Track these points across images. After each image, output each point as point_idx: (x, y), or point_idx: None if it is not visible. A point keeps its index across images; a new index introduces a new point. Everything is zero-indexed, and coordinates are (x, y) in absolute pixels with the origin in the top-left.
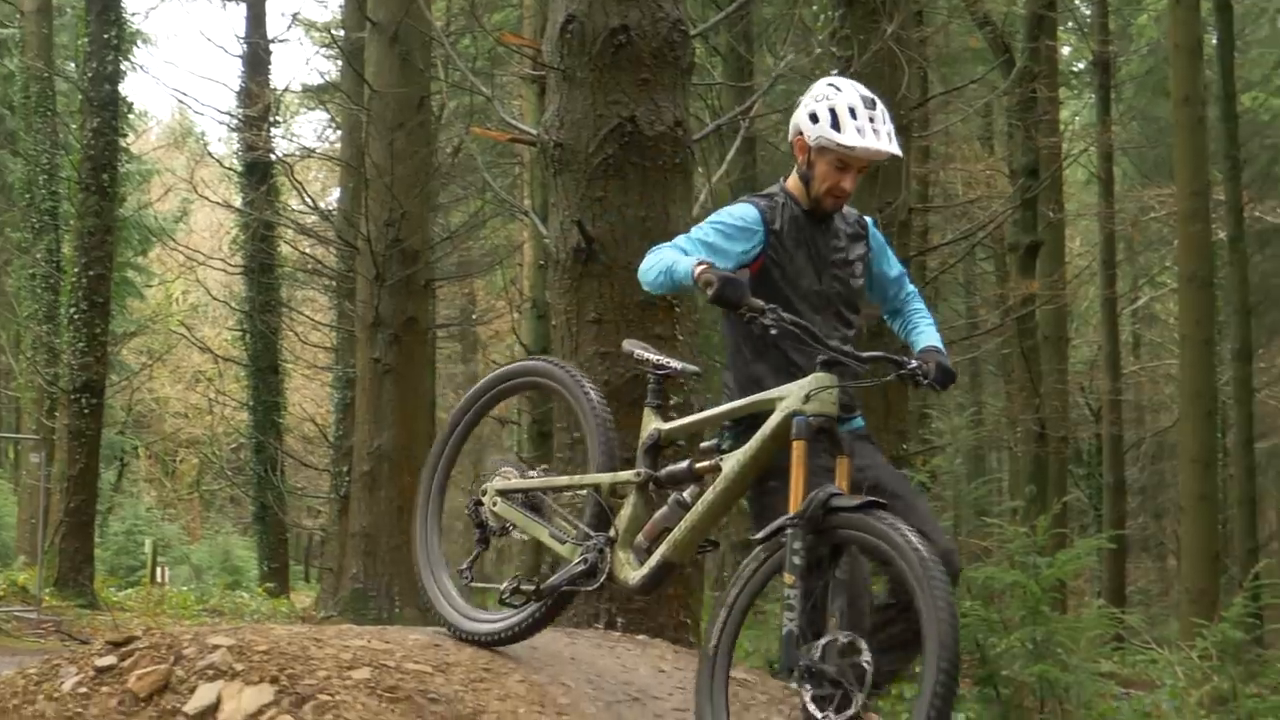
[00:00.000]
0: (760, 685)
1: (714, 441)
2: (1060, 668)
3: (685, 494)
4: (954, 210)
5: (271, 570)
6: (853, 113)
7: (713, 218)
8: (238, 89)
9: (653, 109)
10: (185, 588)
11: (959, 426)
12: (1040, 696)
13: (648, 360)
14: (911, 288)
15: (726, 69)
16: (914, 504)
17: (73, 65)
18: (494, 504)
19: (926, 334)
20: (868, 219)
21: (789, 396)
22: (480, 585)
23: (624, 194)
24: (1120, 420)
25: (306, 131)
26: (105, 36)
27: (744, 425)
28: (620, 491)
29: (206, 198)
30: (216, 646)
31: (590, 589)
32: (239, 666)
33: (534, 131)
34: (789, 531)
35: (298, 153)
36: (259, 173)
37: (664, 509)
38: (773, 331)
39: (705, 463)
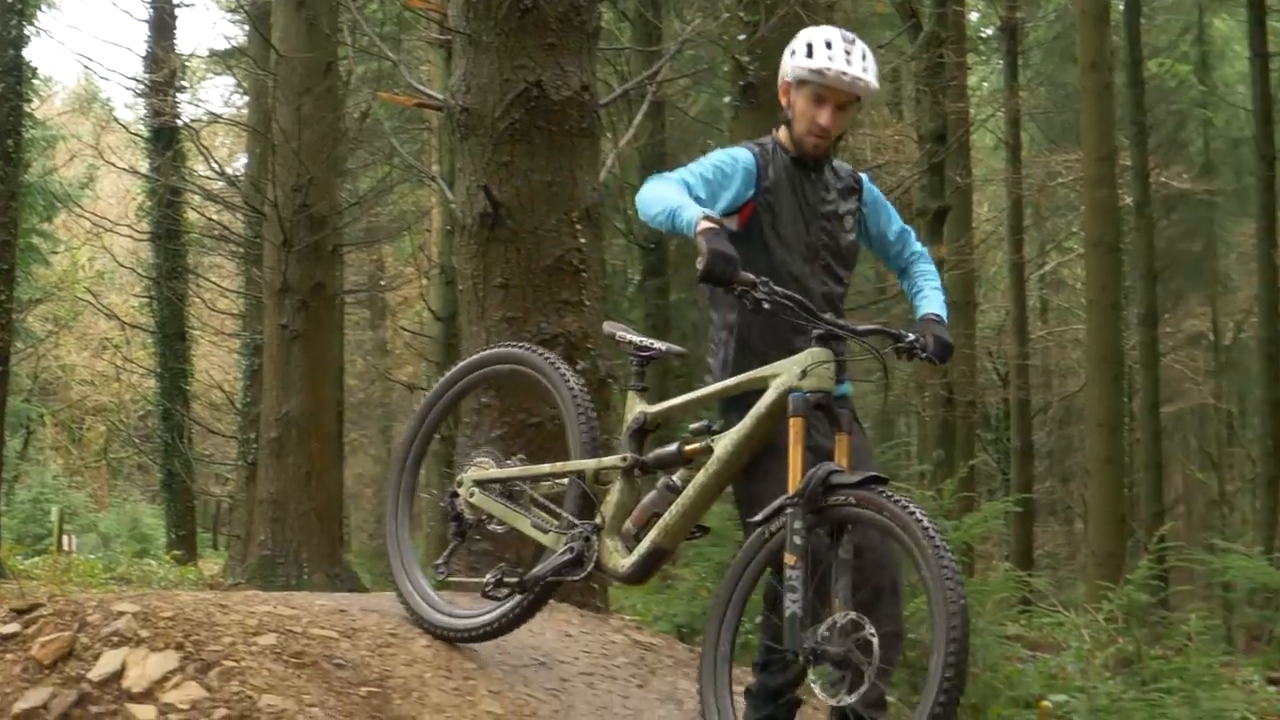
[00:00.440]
0: (668, 649)
1: (704, 423)
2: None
3: (675, 478)
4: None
5: (179, 538)
6: (828, 44)
7: (714, 156)
8: (144, 54)
9: (559, 73)
10: (92, 556)
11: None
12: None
13: (629, 342)
14: (918, 247)
15: (635, 34)
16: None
17: None
18: (471, 495)
19: (928, 301)
20: (863, 175)
21: (784, 373)
22: (457, 580)
23: (530, 159)
24: (1028, 385)
25: (213, 97)
26: (9, 0)
27: (733, 405)
28: (604, 478)
29: (113, 163)
30: (121, 613)
31: (577, 579)
32: (144, 633)
33: (440, 96)
34: (789, 511)
35: (204, 118)
36: (165, 138)
37: (652, 494)
38: (765, 305)
39: (695, 445)
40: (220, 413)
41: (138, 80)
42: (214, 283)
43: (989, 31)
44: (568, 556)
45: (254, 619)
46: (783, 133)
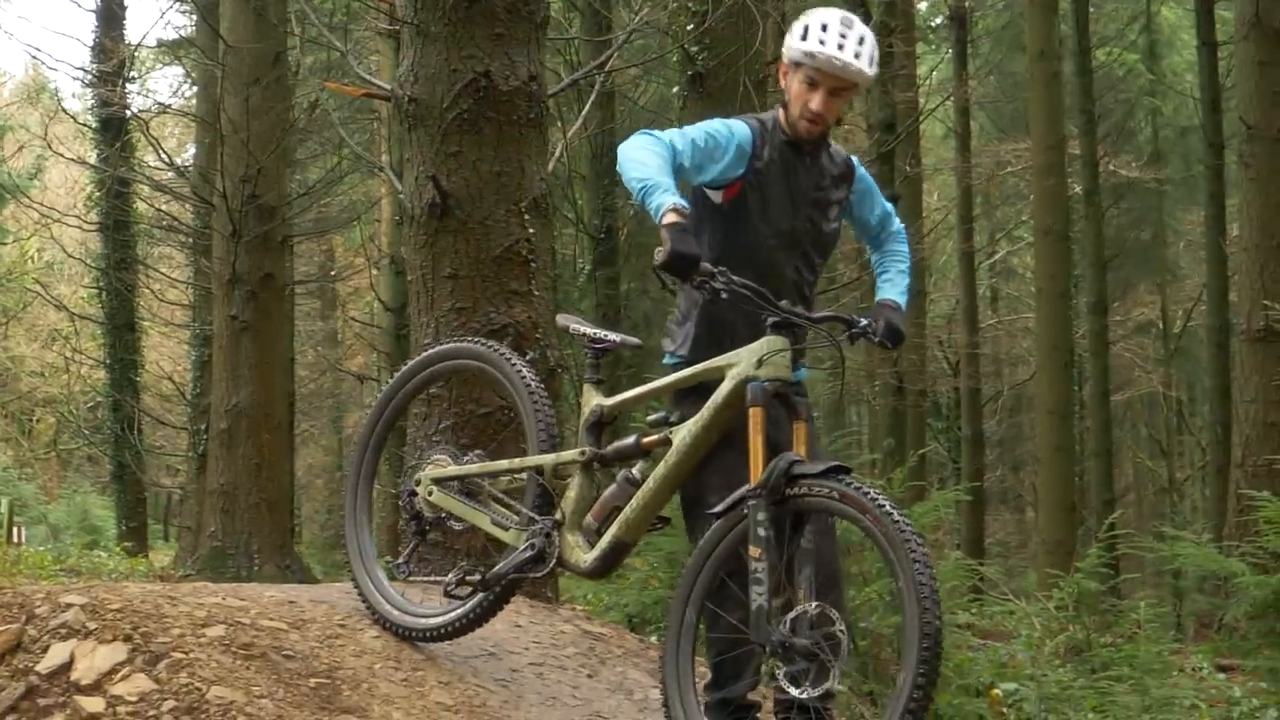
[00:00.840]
0: (618, 639)
1: (661, 414)
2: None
3: (634, 470)
4: None
5: (130, 529)
6: (824, 27)
7: (712, 125)
8: (92, 44)
9: (507, 64)
10: (42, 547)
11: (817, 380)
12: (898, 648)
13: (584, 334)
14: (896, 227)
15: (584, 23)
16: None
17: None
18: (429, 493)
19: (890, 286)
20: (854, 159)
21: (740, 363)
22: (419, 580)
23: (479, 149)
24: (978, 373)
25: (162, 87)
26: None
27: (688, 394)
28: (563, 472)
29: (61, 154)
30: (69, 605)
31: (539, 575)
32: (92, 625)
33: (388, 86)
34: (751, 503)
35: (153, 109)
36: (114, 129)
37: (612, 487)
38: (723, 295)
39: (653, 437)
40: (170, 404)
41: (86, 71)
42: (163, 274)
43: (938, 21)
44: (529, 553)
45: (203, 610)
46: (781, 113)
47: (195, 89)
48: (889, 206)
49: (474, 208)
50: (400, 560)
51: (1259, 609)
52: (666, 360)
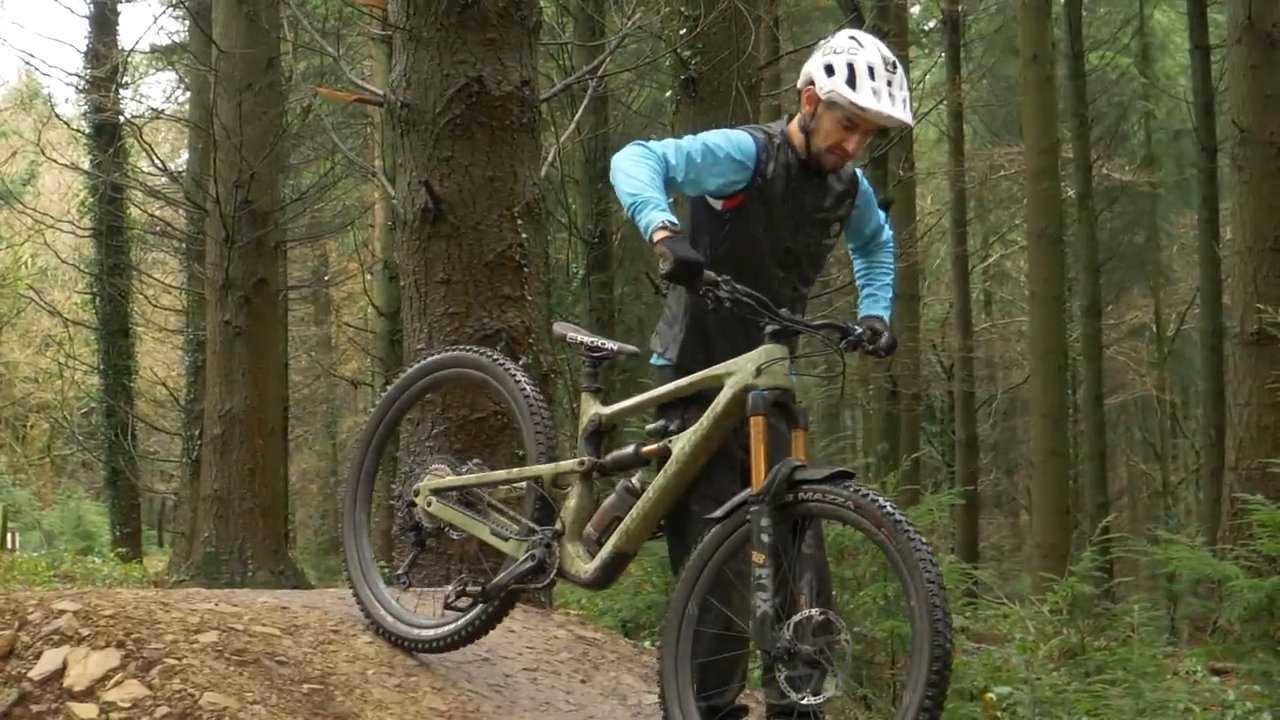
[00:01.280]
0: (611, 645)
1: (661, 423)
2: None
3: (634, 480)
4: None
5: (124, 535)
6: (871, 73)
7: (711, 136)
8: (85, 50)
9: (499, 69)
10: (36, 554)
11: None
12: (892, 653)
13: (581, 343)
14: (886, 236)
15: (577, 28)
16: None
17: None
18: (428, 504)
19: (874, 300)
20: (858, 171)
21: (739, 371)
22: (419, 590)
23: (471, 154)
24: (972, 377)
25: (155, 93)
26: None
27: (689, 404)
28: (563, 482)
29: (54, 160)
30: (62, 611)
31: (540, 586)
32: (85, 631)
33: (381, 92)
34: (754, 509)
35: (146, 114)
36: (107, 134)
37: (612, 497)
38: (727, 304)
39: (653, 446)
40: (164, 409)
41: (79, 76)
42: (157, 279)
43: (931, 24)
44: (529, 564)
45: (195, 616)
46: (795, 132)
47: (188, 94)
48: (883, 217)
49: (467, 213)
50: (400, 571)
51: (1253, 612)
52: (655, 361)
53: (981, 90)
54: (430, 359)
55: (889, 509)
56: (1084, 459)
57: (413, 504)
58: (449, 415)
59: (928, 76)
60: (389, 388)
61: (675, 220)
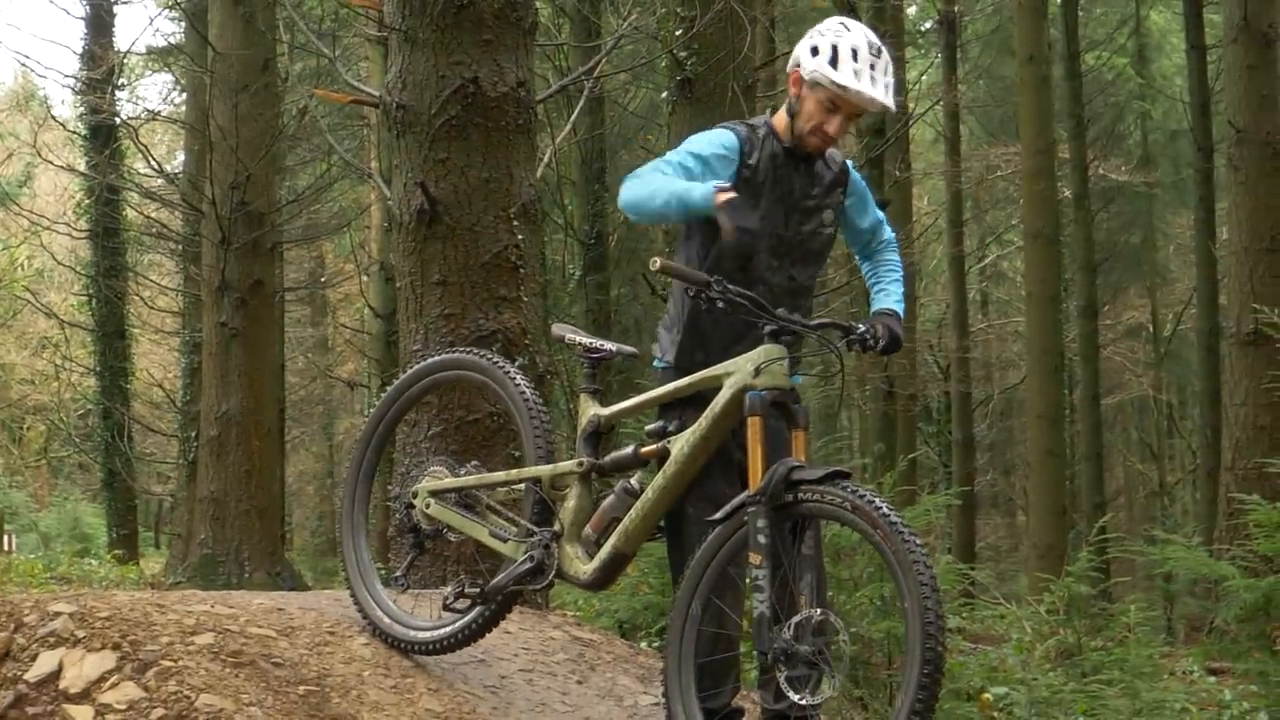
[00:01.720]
0: (607, 645)
1: (660, 424)
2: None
3: (633, 481)
4: None
5: (121, 537)
6: (854, 54)
7: (690, 143)
8: (81, 51)
9: (495, 70)
10: (33, 555)
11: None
12: (888, 653)
13: (579, 344)
14: (888, 235)
15: (573, 29)
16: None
17: None
18: (426, 506)
19: (885, 295)
20: (849, 162)
21: (737, 371)
22: (417, 591)
23: (467, 155)
24: (968, 377)
25: (151, 94)
26: None
27: (684, 403)
28: (561, 484)
29: (50, 161)
30: (58, 614)
31: (539, 587)
32: (80, 633)
33: (377, 93)
34: (751, 510)
35: (142, 116)
36: (103, 136)
37: (611, 498)
38: (720, 305)
39: (651, 447)
40: (161, 411)
41: (75, 78)
42: (153, 281)
43: (927, 25)
44: (528, 565)
45: (191, 618)
46: (780, 120)
47: (184, 96)
48: (880, 214)
49: (462, 214)
50: (398, 573)
51: (1249, 612)
52: (656, 364)
53: (978, 90)
54: (429, 361)
55: (885, 510)
56: (1081, 459)
57: (411, 506)
58: (446, 417)
59: (924, 77)
60: (388, 389)
61: (724, 182)
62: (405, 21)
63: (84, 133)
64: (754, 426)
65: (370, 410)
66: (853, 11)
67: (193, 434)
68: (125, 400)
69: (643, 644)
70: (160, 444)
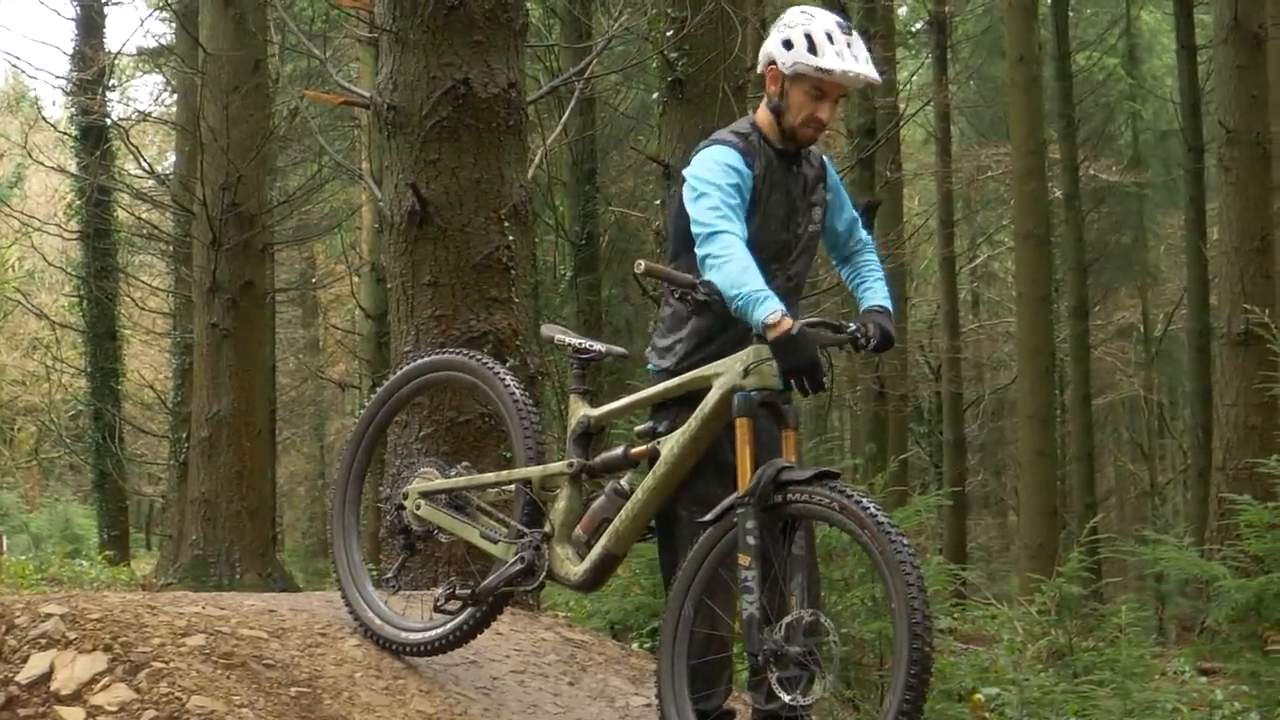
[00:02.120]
0: (599, 647)
1: (649, 424)
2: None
3: (623, 481)
4: None
5: (112, 538)
6: (829, 37)
7: (715, 178)
8: (72, 52)
9: (486, 71)
10: (24, 557)
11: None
12: (879, 653)
13: (569, 345)
14: (864, 236)
15: (564, 30)
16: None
17: None
18: (417, 507)
19: (872, 293)
20: (825, 158)
21: (726, 372)
22: (408, 593)
23: (458, 156)
24: (960, 378)
25: (142, 95)
26: None
27: (674, 403)
28: (551, 484)
29: (41, 162)
30: (49, 615)
31: (529, 588)
32: (72, 635)
33: (367, 94)
34: (739, 511)
35: (133, 117)
36: (94, 137)
37: (601, 499)
38: (703, 299)
39: (641, 447)
40: (152, 412)
41: (66, 79)
42: (144, 282)
43: (918, 26)
44: (519, 566)
45: (183, 620)
46: (765, 120)
47: (175, 97)
48: (855, 213)
49: (453, 215)
50: (389, 574)
51: (1240, 612)
52: (650, 367)
53: (968, 91)
54: (419, 362)
55: (872, 510)
56: (1072, 459)
57: (401, 507)
58: (437, 418)
59: (915, 78)
60: (378, 390)
61: (783, 307)
62: (396, 23)
63: (75, 134)
64: (742, 428)
65: (361, 411)
66: (843, 12)
67: (184, 435)
68: (116, 401)
69: (634, 645)
70: (151, 445)
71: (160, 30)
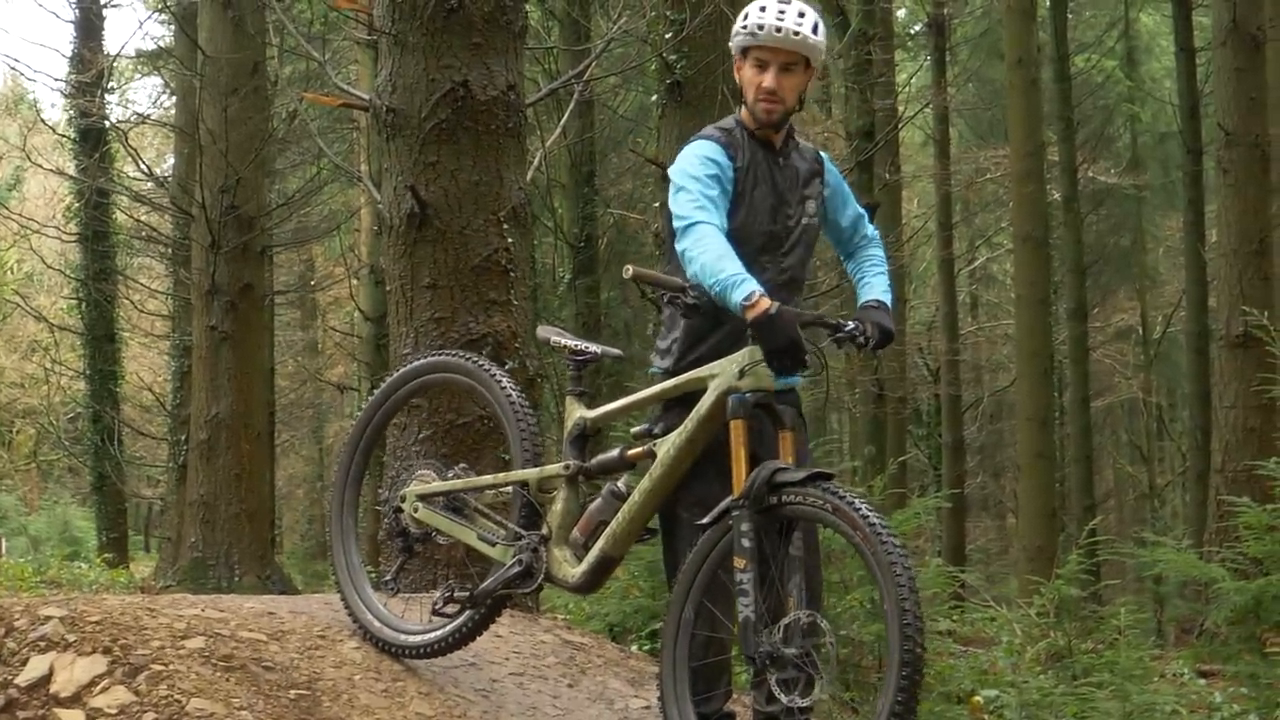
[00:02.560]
0: (598, 649)
1: (645, 426)
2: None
3: (619, 484)
4: None
5: (111, 540)
6: (763, 8)
7: (694, 170)
8: (70, 55)
9: (485, 73)
10: (23, 559)
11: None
12: (878, 656)
13: (565, 346)
14: (870, 231)
15: (563, 33)
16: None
17: None
18: (415, 510)
19: (870, 288)
20: (823, 154)
21: (721, 374)
22: (407, 595)
23: (457, 159)
24: (958, 380)
25: (141, 98)
26: None
27: (673, 405)
28: (548, 487)
29: (40, 165)
30: (48, 618)
31: (527, 591)
32: (71, 637)
33: (366, 96)
34: (735, 514)
35: (132, 119)
36: (93, 140)
37: (598, 501)
38: (692, 302)
39: (638, 449)
40: (150, 415)
41: (65, 81)
42: (143, 284)
43: (916, 28)
44: (516, 569)
45: (182, 622)
46: (745, 113)
47: (174, 99)
48: (861, 210)
49: (452, 217)
50: (388, 578)
51: (1239, 614)
52: (652, 370)
53: (967, 93)
54: (416, 364)
55: (865, 511)
56: (1071, 462)
57: (399, 509)
58: (435, 420)
59: (913, 80)
60: (375, 392)
61: (760, 289)
62: (395, 25)
63: (73, 136)
64: (736, 430)
65: (358, 414)
66: (841, 14)
67: (182, 437)
68: (115, 404)
69: (633, 647)
70: (150, 447)
71: (159, 33)
